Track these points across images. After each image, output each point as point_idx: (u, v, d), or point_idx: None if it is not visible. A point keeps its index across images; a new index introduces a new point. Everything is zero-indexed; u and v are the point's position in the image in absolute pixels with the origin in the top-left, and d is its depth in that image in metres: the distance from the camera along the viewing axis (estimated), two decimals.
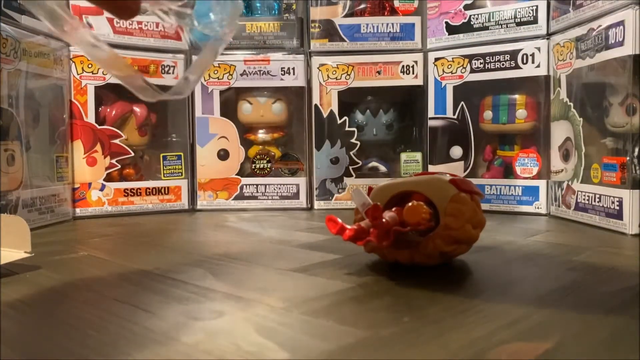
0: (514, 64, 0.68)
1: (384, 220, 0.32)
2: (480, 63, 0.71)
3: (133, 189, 0.73)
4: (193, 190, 0.77)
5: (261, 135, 0.79)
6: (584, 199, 0.58)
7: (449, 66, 0.73)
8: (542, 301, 0.29)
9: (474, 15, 0.71)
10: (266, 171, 0.78)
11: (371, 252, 0.38)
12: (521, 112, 0.69)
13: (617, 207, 0.52)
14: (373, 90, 0.78)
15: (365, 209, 0.35)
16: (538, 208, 0.67)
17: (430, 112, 0.75)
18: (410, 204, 0.34)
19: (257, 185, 0.77)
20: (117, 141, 0.71)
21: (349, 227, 0.32)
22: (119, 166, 0.72)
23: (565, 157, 0.63)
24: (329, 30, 0.78)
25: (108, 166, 0.71)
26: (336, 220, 0.32)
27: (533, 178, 0.68)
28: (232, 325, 0.26)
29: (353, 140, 0.77)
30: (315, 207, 0.77)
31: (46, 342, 0.23)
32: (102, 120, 0.71)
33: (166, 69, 0.75)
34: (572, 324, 0.25)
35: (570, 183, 0.61)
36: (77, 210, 0.69)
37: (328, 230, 0.32)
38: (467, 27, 0.72)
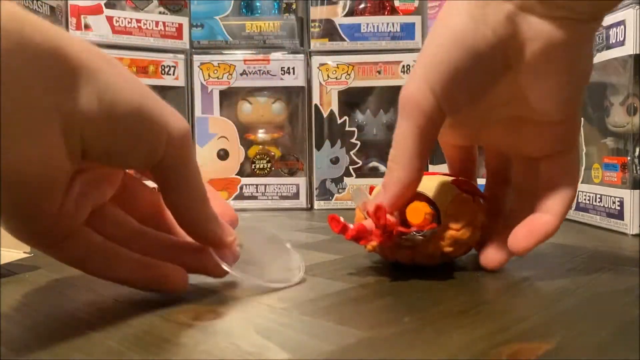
0: None
1: (387, 220, 0.32)
2: None
3: None
4: None
5: (261, 135, 0.79)
6: (585, 199, 0.58)
7: None
8: (542, 302, 0.29)
9: None
10: (266, 171, 0.78)
11: (372, 252, 0.37)
12: None
13: (618, 207, 0.52)
14: (373, 90, 0.78)
15: (367, 208, 0.35)
16: None
17: None
18: (412, 204, 0.34)
19: (257, 185, 0.77)
20: None
21: (351, 226, 0.32)
22: None
23: None
24: (329, 30, 0.78)
25: None
26: (339, 220, 0.32)
27: None
28: (231, 326, 0.25)
29: (353, 140, 0.77)
30: (315, 207, 0.77)
31: (46, 343, 0.23)
32: None
33: (166, 70, 0.75)
34: (572, 325, 0.25)
35: None
36: None
37: (330, 229, 0.32)
38: None
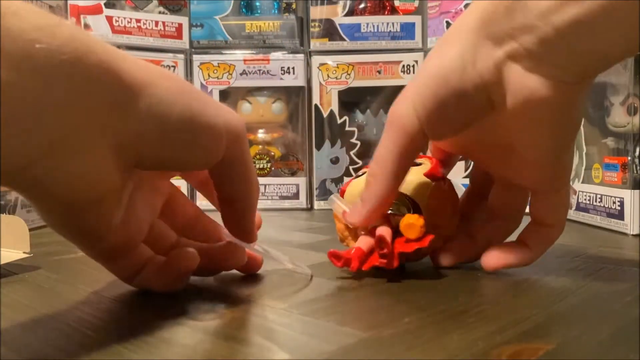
0: None
1: (383, 238, 0.32)
2: None
3: None
4: (193, 191, 0.77)
5: (261, 135, 0.79)
6: (585, 199, 0.58)
7: None
8: (542, 302, 0.29)
9: None
10: (266, 171, 0.78)
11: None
12: None
13: (619, 207, 0.52)
14: (373, 90, 0.78)
15: (347, 219, 0.35)
16: None
17: None
18: (405, 219, 0.33)
19: None
20: None
21: (351, 253, 0.33)
22: None
23: None
24: (329, 30, 0.78)
25: None
26: (338, 254, 0.33)
27: None
28: (231, 326, 0.25)
29: (353, 140, 0.77)
30: (315, 207, 0.77)
31: (45, 343, 0.23)
32: None
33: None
34: (573, 325, 0.25)
35: (571, 183, 0.61)
36: None
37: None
38: None
